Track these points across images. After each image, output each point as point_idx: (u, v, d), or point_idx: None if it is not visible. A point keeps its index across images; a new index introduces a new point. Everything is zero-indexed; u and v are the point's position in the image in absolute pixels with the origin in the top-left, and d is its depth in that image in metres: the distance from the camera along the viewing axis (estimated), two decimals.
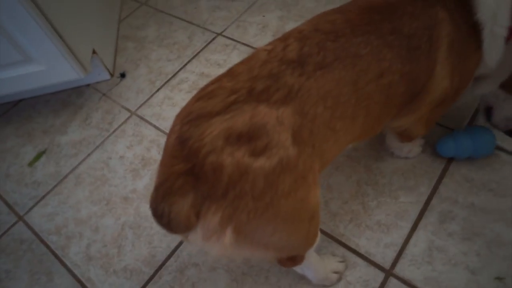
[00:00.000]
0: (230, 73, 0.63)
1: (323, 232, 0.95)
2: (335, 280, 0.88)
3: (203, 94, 0.62)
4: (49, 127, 1.34)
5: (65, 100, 1.41)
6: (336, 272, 0.88)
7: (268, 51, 0.64)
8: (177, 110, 1.27)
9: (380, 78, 0.66)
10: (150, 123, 1.27)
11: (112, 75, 1.44)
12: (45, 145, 1.29)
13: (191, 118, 0.59)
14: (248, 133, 0.56)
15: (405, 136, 0.92)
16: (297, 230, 0.66)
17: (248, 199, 0.55)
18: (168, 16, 1.63)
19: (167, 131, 1.21)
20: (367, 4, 0.70)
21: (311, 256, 0.79)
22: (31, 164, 1.25)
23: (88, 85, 1.43)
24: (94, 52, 1.32)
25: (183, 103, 1.26)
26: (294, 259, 0.77)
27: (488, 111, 0.95)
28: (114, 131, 1.28)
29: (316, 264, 0.83)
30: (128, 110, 1.33)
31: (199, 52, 1.44)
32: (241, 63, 0.65)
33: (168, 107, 1.30)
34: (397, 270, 0.88)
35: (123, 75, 1.44)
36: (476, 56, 0.75)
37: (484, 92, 0.91)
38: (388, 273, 0.88)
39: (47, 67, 1.17)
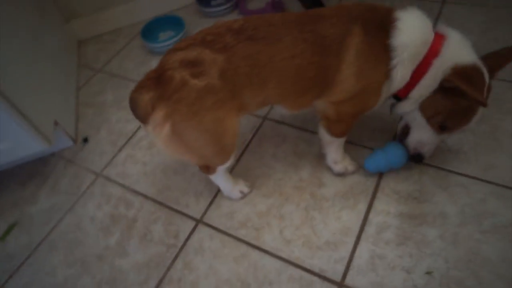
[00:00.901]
0: (199, 31, 0.94)
1: (280, 258, 1.07)
2: (237, 197, 1.21)
3: (181, 40, 0.96)
4: (18, 199, 1.41)
5: (32, 171, 1.49)
6: (241, 192, 1.20)
7: (223, 21, 0.95)
8: (139, 166, 1.39)
9: (291, 59, 0.92)
10: (116, 182, 1.37)
11: (75, 141, 1.54)
12: (15, 217, 1.35)
13: (168, 51, 0.93)
14: (193, 62, 0.87)
15: (326, 120, 1.09)
16: (213, 142, 0.96)
17: (183, 105, 0.85)
18: (124, 80, 1.78)
19: (132, 187, 1.32)
20: (308, 11, 0.99)
21: (222, 173, 1.12)
22: (2, 238, 1.30)
23: (53, 153, 1.52)
24: (56, 123, 1.43)
25: (144, 159, 1.40)
26: (208, 169, 1.10)
27: (404, 131, 1.11)
28: (82, 194, 1.36)
29: (224, 180, 1.17)
30: (94, 172, 1.43)
31: None
32: (209, 27, 0.95)
33: (131, 164, 1.42)
34: (348, 281, 1.01)
35: (85, 140, 1.55)
36: (383, 69, 0.94)
37: (403, 111, 1.04)
38: (340, 285, 1.01)
39: (12, 144, 1.26)
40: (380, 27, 0.93)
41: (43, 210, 1.35)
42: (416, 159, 1.09)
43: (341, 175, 1.21)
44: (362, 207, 1.14)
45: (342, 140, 1.15)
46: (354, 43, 0.92)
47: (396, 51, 0.92)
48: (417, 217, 1.08)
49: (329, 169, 1.23)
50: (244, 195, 1.22)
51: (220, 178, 1.15)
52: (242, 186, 1.21)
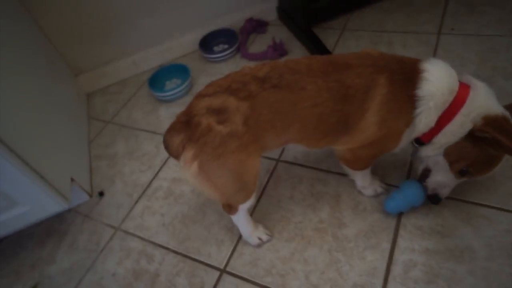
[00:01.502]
0: (225, 76, 1.01)
1: None
2: (255, 243, 1.22)
3: (208, 85, 1.01)
4: (36, 260, 1.39)
5: (49, 229, 1.48)
6: (259, 238, 1.21)
7: (250, 68, 1.00)
8: (157, 217, 1.40)
9: (314, 107, 0.97)
10: (135, 235, 1.37)
11: (91, 196, 1.55)
12: (35, 279, 1.34)
13: (196, 96, 1.00)
14: (219, 109, 0.94)
15: (343, 160, 1.16)
16: (235, 180, 1.01)
17: (209, 147, 0.93)
18: (134, 130, 1.81)
19: (152, 240, 1.32)
20: (332, 59, 1.02)
21: (243, 214, 1.15)
22: None
23: (69, 209, 1.52)
24: (72, 179, 1.44)
25: (162, 210, 1.41)
26: (231, 208, 1.13)
27: (425, 173, 1.12)
28: (102, 250, 1.36)
29: (245, 223, 1.19)
30: (112, 226, 1.42)
31: (167, 159, 1.60)
32: (234, 72, 1.01)
33: (148, 216, 1.42)
34: None
35: (101, 194, 1.55)
36: (406, 118, 0.98)
37: (426, 155, 1.07)
38: None
39: (31, 207, 1.27)
40: (407, 78, 0.96)
41: (63, 270, 1.34)
42: (433, 199, 1.11)
43: (372, 197, 1.25)
44: (386, 245, 1.13)
45: (366, 170, 1.19)
46: (379, 94, 0.96)
47: (422, 100, 0.95)
48: (443, 252, 1.08)
49: (359, 194, 1.27)
50: (262, 243, 1.22)
51: (241, 219, 1.18)
52: (261, 233, 1.22)
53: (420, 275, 1.05)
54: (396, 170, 1.30)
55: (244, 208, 1.12)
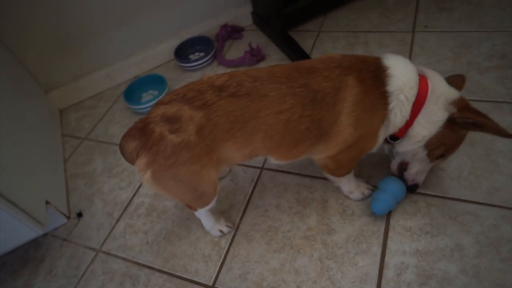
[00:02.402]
0: (185, 85, 0.99)
1: None
2: (217, 235, 1.26)
3: (169, 93, 1.00)
4: None
5: (24, 257, 1.40)
6: (220, 231, 1.25)
7: (208, 77, 0.98)
8: (140, 236, 1.34)
9: (278, 114, 0.94)
10: (118, 256, 1.31)
11: (68, 217, 1.48)
12: None
13: (156, 103, 0.98)
14: (172, 118, 0.91)
15: (326, 169, 1.14)
16: (189, 191, 1.02)
17: (161, 156, 0.92)
18: (111, 146, 1.74)
19: (136, 260, 1.26)
20: (295, 65, 1.01)
21: (204, 212, 1.17)
22: None
23: (45, 234, 1.45)
24: (47, 202, 1.37)
25: (144, 228, 1.35)
26: (191, 207, 1.17)
27: (402, 166, 1.14)
28: (83, 275, 1.29)
29: (206, 217, 1.22)
30: (93, 249, 1.36)
31: None
32: (194, 82, 0.99)
33: (131, 235, 1.36)
34: None
35: (80, 215, 1.48)
36: (380, 114, 0.98)
37: (405, 150, 1.08)
38: None
39: (3, 235, 1.19)
40: (374, 76, 0.97)
41: None
42: (413, 189, 1.15)
43: (360, 200, 1.24)
44: (376, 250, 1.11)
45: (350, 174, 1.18)
46: (350, 95, 0.95)
47: (393, 96, 0.97)
48: (433, 252, 1.07)
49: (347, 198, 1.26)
50: (223, 234, 1.26)
51: (203, 215, 1.21)
52: (222, 226, 1.25)
53: (413, 277, 1.03)
54: (382, 171, 1.29)
55: (204, 209, 1.14)
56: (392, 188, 1.12)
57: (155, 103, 0.98)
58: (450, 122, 0.98)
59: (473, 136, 1.28)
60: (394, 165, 1.17)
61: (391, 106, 0.97)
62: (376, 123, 1.00)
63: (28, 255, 1.40)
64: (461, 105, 0.97)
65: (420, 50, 1.70)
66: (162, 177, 0.95)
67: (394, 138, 1.07)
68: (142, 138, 0.94)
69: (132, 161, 0.98)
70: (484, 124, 0.92)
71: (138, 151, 0.94)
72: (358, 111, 0.96)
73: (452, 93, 0.99)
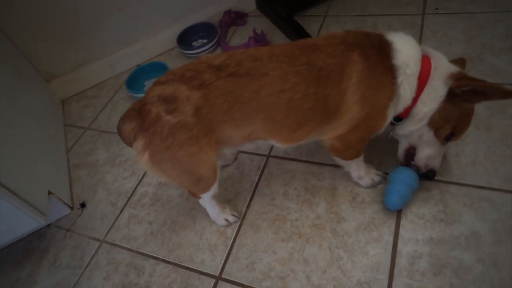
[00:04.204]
0: (183, 65, 0.95)
1: None
2: (223, 224, 1.22)
3: (166, 73, 0.95)
4: (15, 282, 1.29)
5: (27, 248, 1.38)
6: (226, 220, 1.21)
7: (207, 57, 0.94)
8: (144, 226, 1.31)
9: (280, 93, 0.91)
10: (122, 247, 1.28)
11: (72, 208, 1.45)
12: None
13: (153, 83, 0.95)
14: (168, 98, 0.88)
15: (333, 151, 1.10)
16: (187, 174, 0.98)
17: (158, 137, 0.89)
18: (114, 135, 1.71)
19: (140, 250, 1.23)
20: (297, 43, 0.97)
21: (208, 199, 1.13)
22: None
23: (49, 225, 1.42)
24: (49, 192, 1.34)
25: (149, 218, 1.32)
26: (194, 194, 1.12)
27: (409, 153, 1.10)
28: (87, 266, 1.26)
29: (211, 206, 1.18)
30: (97, 239, 1.33)
31: None
32: (192, 62, 0.95)
33: (135, 225, 1.33)
34: None
35: (83, 205, 1.46)
36: (388, 89, 0.95)
37: (408, 131, 1.05)
38: None
39: (4, 226, 1.17)
40: (379, 51, 0.94)
41: None
42: (429, 175, 1.09)
43: (370, 187, 1.20)
44: (388, 238, 1.07)
45: (359, 159, 1.13)
46: (355, 71, 0.92)
47: (399, 70, 0.93)
48: (448, 241, 1.03)
49: (357, 185, 1.22)
50: (229, 224, 1.22)
51: (207, 203, 1.17)
52: (228, 215, 1.21)
53: (427, 266, 0.99)
54: (392, 157, 1.24)
55: (206, 196, 1.10)
56: (404, 178, 1.07)
57: (152, 83, 0.95)
58: (451, 96, 0.95)
59: (488, 120, 1.23)
60: (400, 151, 1.13)
61: (399, 80, 0.94)
62: (384, 100, 0.96)
63: (32, 246, 1.38)
64: (459, 76, 0.94)
65: (430, 33, 1.64)
66: (159, 159, 0.93)
67: (398, 119, 1.04)
68: (139, 120, 0.91)
69: (130, 143, 0.96)
70: (484, 88, 0.89)
71: (135, 132, 0.92)
72: (364, 88, 0.93)
73: (452, 68, 0.97)
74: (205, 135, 0.93)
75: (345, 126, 1.00)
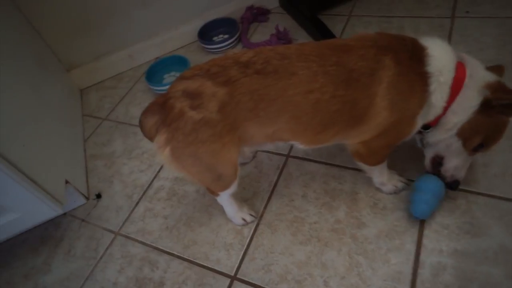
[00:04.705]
0: (209, 60, 0.93)
1: None
2: (239, 223, 1.20)
3: (191, 67, 0.94)
4: (30, 269, 1.29)
5: (43, 235, 1.38)
6: (243, 219, 1.19)
7: (233, 53, 0.92)
8: (160, 220, 1.30)
9: (307, 94, 0.88)
10: (137, 240, 1.27)
11: (87, 198, 1.45)
12: None
13: (178, 78, 0.93)
14: (193, 94, 0.87)
15: (357, 156, 1.07)
16: (208, 171, 0.97)
17: (180, 133, 0.88)
18: (131, 127, 1.70)
19: (155, 245, 1.22)
20: (328, 43, 0.94)
21: (226, 197, 1.11)
22: None
23: (64, 214, 1.42)
24: (66, 182, 1.34)
25: (164, 213, 1.30)
26: (212, 192, 1.11)
27: (436, 162, 1.06)
28: (101, 257, 1.26)
29: (228, 204, 1.16)
30: (111, 231, 1.32)
31: None
32: (218, 57, 0.93)
33: (150, 219, 1.32)
34: None
35: (99, 196, 1.45)
36: (418, 97, 0.91)
37: (437, 139, 1.01)
38: None
39: (22, 213, 1.17)
40: (412, 56, 0.90)
41: (60, 280, 1.24)
42: (453, 186, 1.05)
43: (392, 194, 1.17)
44: (411, 247, 1.04)
45: (383, 164, 1.10)
46: (386, 76, 0.89)
47: (433, 77, 0.90)
48: (475, 254, 0.99)
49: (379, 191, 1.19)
50: (246, 223, 1.20)
51: (225, 201, 1.16)
52: (245, 214, 1.19)
53: (451, 279, 0.96)
54: (416, 163, 1.20)
55: (225, 193, 1.08)
56: (431, 186, 1.03)
57: (177, 78, 0.94)
58: (485, 107, 0.90)
59: None
60: (427, 159, 1.08)
61: (431, 88, 0.90)
62: (414, 108, 0.92)
63: (48, 233, 1.38)
64: (497, 87, 0.89)
65: (460, 37, 1.58)
66: (181, 154, 0.92)
67: (426, 127, 1.00)
68: (162, 114, 0.90)
69: (151, 138, 0.94)
70: None
71: (157, 127, 0.91)
72: (394, 93, 0.89)
73: (489, 76, 0.92)
74: (228, 133, 0.91)
75: (371, 131, 0.96)
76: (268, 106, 0.89)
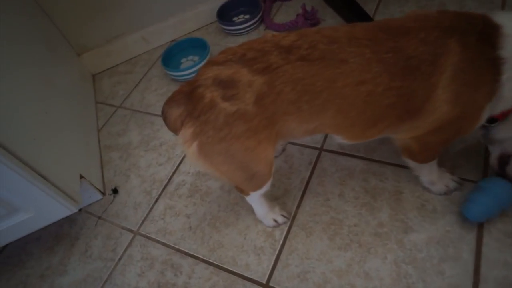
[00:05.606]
0: (243, 43, 0.80)
1: None
2: (270, 225, 1.09)
3: (222, 51, 0.81)
4: (45, 269, 1.22)
5: (58, 233, 1.30)
6: (275, 221, 1.08)
7: (272, 35, 0.80)
8: (182, 219, 1.20)
9: (359, 85, 0.75)
10: (158, 241, 1.18)
11: (103, 193, 1.36)
12: None
13: (206, 63, 0.81)
14: (226, 82, 0.75)
15: (407, 152, 0.95)
16: (241, 170, 0.86)
17: (210, 127, 0.77)
18: (148, 115, 1.59)
19: (178, 247, 1.13)
20: (381, 24, 0.80)
21: (256, 197, 1.01)
22: None
23: (80, 210, 1.33)
24: (81, 177, 1.24)
25: (187, 211, 1.20)
26: (242, 191, 1.01)
27: (503, 160, 0.93)
28: (120, 259, 1.17)
29: (259, 204, 1.06)
30: (130, 230, 1.23)
31: None
32: (255, 39, 0.80)
33: (171, 218, 1.22)
34: None
35: (115, 191, 1.36)
36: (487, 88, 0.77)
37: (507, 136, 0.88)
38: None
39: (35, 212, 1.08)
40: (482, 38, 0.75)
41: (76, 282, 1.16)
42: None
43: (443, 194, 1.03)
44: (468, 257, 0.92)
45: (433, 162, 0.98)
46: (451, 63, 0.74)
47: (507, 63, 0.75)
48: None
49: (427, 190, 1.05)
50: (278, 225, 1.09)
51: (255, 201, 1.05)
52: (277, 215, 1.09)
53: None
54: (469, 161, 1.07)
55: (257, 193, 0.98)
56: (496, 189, 0.90)
57: (205, 63, 0.81)
58: None
59: None
60: (493, 157, 0.95)
61: (504, 77, 0.75)
62: (481, 100, 0.79)
63: (63, 231, 1.30)
64: None
65: None
66: (210, 151, 0.81)
67: (491, 120, 0.87)
68: (188, 104, 0.79)
69: (176, 131, 0.83)
70: None
71: (183, 119, 0.79)
72: (458, 84, 0.76)
73: None
74: (265, 128, 0.79)
75: (427, 126, 0.83)
76: (313, 98, 0.77)
